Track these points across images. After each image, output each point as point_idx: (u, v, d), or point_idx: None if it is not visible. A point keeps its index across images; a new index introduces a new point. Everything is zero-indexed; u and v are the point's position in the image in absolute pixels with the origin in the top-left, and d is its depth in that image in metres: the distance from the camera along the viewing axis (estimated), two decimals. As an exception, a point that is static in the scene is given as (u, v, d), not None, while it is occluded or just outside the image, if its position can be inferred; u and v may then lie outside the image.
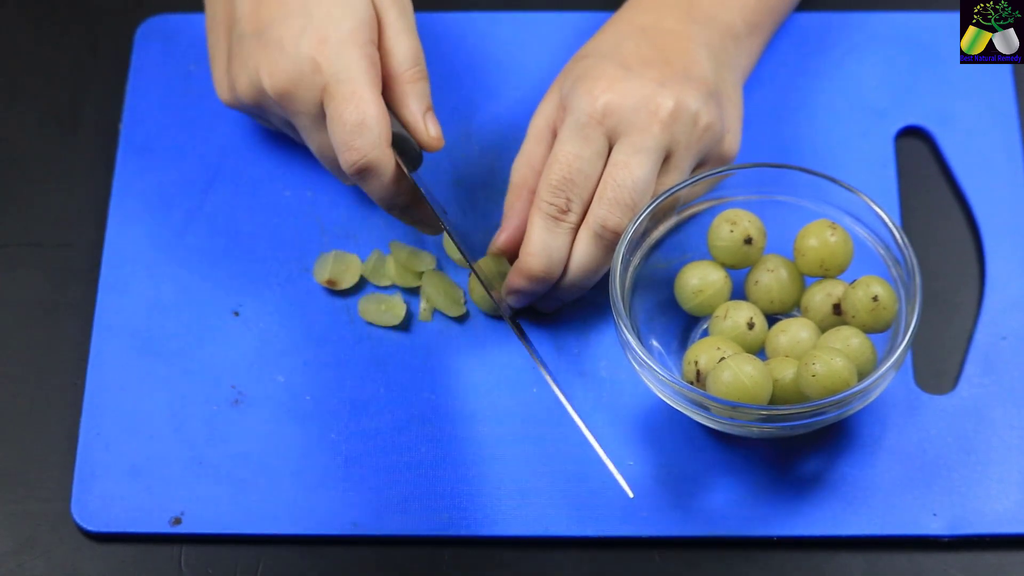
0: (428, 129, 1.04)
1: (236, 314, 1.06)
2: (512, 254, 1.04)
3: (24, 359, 1.06)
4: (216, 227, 1.09)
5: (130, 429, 1.03)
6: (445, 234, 1.05)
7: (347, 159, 1.00)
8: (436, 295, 1.05)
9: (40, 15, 1.17)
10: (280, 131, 1.09)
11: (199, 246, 1.08)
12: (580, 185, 1.01)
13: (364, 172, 1.01)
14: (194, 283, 1.07)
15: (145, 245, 1.08)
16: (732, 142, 1.05)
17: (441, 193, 1.10)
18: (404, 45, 1.03)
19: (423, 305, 1.06)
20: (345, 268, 1.07)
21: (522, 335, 1.03)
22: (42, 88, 1.15)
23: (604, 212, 1.01)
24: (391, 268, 1.07)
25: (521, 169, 1.05)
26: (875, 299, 0.99)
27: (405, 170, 1.02)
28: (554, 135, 1.04)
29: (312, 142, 1.04)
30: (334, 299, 1.07)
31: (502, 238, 1.04)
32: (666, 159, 1.02)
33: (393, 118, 1.03)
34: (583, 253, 1.02)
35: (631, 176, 1.01)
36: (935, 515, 1.00)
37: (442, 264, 1.08)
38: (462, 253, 1.03)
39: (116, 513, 1.01)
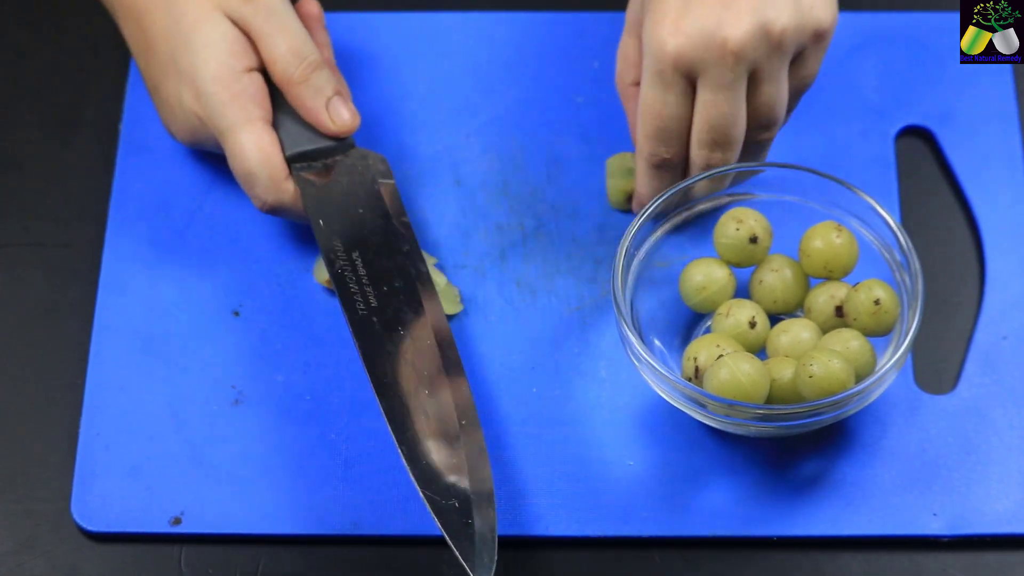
0: (333, 119, 1.04)
1: (236, 314, 1.06)
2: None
3: (24, 359, 1.06)
4: (216, 227, 1.09)
5: (130, 429, 1.03)
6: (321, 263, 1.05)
7: (255, 205, 1.04)
8: None
9: (40, 15, 1.17)
10: None
11: (199, 246, 1.08)
12: (673, 129, 1.01)
13: (273, 213, 1.04)
14: (194, 283, 1.07)
15: (145, 245, 1.08)
16: (823, 10, 0.99)
17: (441, 193, 1.10)
18: (281, 48, 1.03)
19: None
20: (345, 268, 1.07)
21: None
22: (42, 88, 1.15)
23: (707, 153, 1.01)
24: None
25: (619, 63, 1.05)
26: (877, 303, 0.99)
27: (302, 208, 1.03)
28: (640, 26, 1.02)
29: None
30: (334, 299, 1.06)
31: (635, 135, 1.05)
32: (753, 74, 0.99)
33: (302, 124, 1.04)
34: (698, 186, 1.03)
35: (721, 114, 0.99)
36: (935, 515, 1.00)
37: (442, 265, 1.08)
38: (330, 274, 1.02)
39: (116, 513, 1.01)
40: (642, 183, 1.04)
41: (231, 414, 1.03)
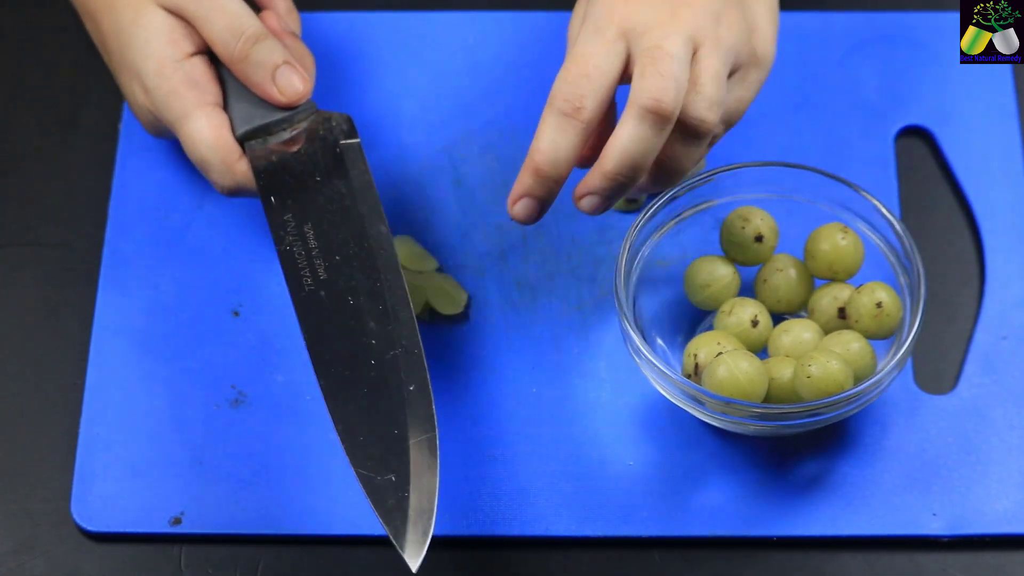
0: (281, 90, 1.02)
1: (236, 314, 1.06)
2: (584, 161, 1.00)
3: (24, 359, 1.06)
4: (216, 227, 1.09)
5: (130, 429, 1.03)
6: None
7: (216, 190, 1.03)
8: (435, 295, 1.05)
9: (40, 15, 1.17)
10: None
11: (199, 246, 1.08)
12: (595, 80, 0.96)
13: (235, 195, 1.03)
14: (194, 283, 1.07)
15: (145, 245, 1.08)
16: (763, 41, 1.00)
17: (441, 193, 1.10)
18: (217, 27, 1.02)
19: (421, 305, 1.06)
20: (345, 268, 1.07)
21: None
22: (42, 88, 1.15)
23: (650, 84, 0.95)
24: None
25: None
26: (879, 305, 0.99)
27: (255, 185, 1.01)
28: None
29: None
30: (334, 299, 1.06)
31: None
32: (694, 52, 0.97)
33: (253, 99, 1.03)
34: (628, 136, 0.96)
35: (666, 52, 0.95)
36: (935, 515, 1.00)
37: (443, 265, 1.08)
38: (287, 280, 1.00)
39: (116, 513, 1.01)
40: (544, 136, 0.96)
41: (231, 414, 1.03)
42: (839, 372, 0.96)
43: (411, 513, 0.93)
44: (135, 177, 1.10)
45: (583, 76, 0.96)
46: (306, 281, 0.99)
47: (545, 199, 0.97)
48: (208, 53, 1.03)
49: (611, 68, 0.97)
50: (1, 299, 1.08)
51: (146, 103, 1.03)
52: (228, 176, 1.01)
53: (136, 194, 1.10)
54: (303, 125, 1.03)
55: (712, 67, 0.97)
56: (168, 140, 1.08)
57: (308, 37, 1.14)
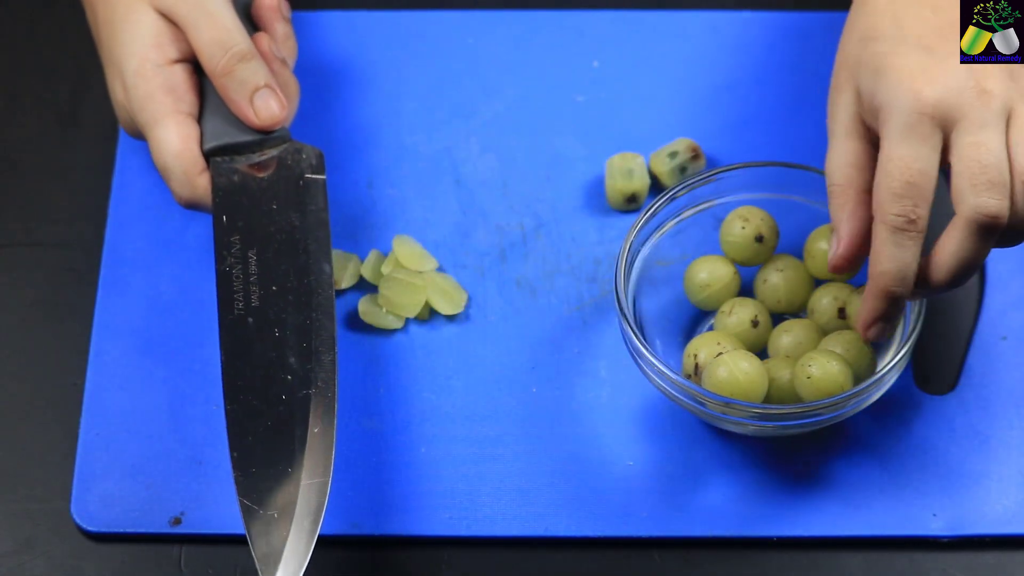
0: (257, 114, 1.02)
1: (236, 314, 1.06)
2: (850, 268, 0.97)
3: (24, 359, 1.06)
4: (216, 227, 1.09)
5: (130, 429, 1.03)
6: None
7: (175, 199, 1.02)
8: (435, 295, 1.05)
9: (40, 15, 1.17)
10: None
11: (199, 246, 1.08)
12: (923, 187, 0.93)
13: (192, 208, 1.02)
14: (194, 283, 1.07)
15: (145, 245, 1.08)
16: None
17: (441, 193, 1.10)
18: (204, 38, 1.02)
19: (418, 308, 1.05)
20: (345, 268, 1.07)
21: None
22: (42, 88, 1.15)
23: (980, 200, 0.92)
24: (389, 266, 1.06)
25: (844, 169, 0.96)
26: None
27: (210, 199, 1.01)
28: (864, 127, 0.96)
29: None
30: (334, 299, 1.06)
31: (841, 249, 0.96)
32: (1009, 120, 0.95)
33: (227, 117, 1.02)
34: (959, 248, 0.93)
35: (991, 152, 0.92)
36: (935, 515, 1.00)
37: (444, 267, 1.08)
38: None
39: (116, 513, 1.01)
40: (885, 255, 0.93)
41: (231, 414, 1.03)
42: (840, 373, 0.96)
43: (286, 553, 0.92)
44: (135, 177, 1.10)
45: (910, 185, 0.92)
46: (237, 305, 0.98)
47: (898, 317, 0.96)
48: (193, 62, 1.03)
49: (934, 168, 0.93)
50: (1, 299, 1.08)
51: (124, 102, 1.02)
52: (187, 188, 1.01)
53: (136, 194, 1.10)
54: (272, 152, 1.03)
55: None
56: (143, 142, 1.08)
57: (308, 37, 1.14)
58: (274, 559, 0.92)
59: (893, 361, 0.96)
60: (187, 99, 1.02)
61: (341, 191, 1.10)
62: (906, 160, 0.92)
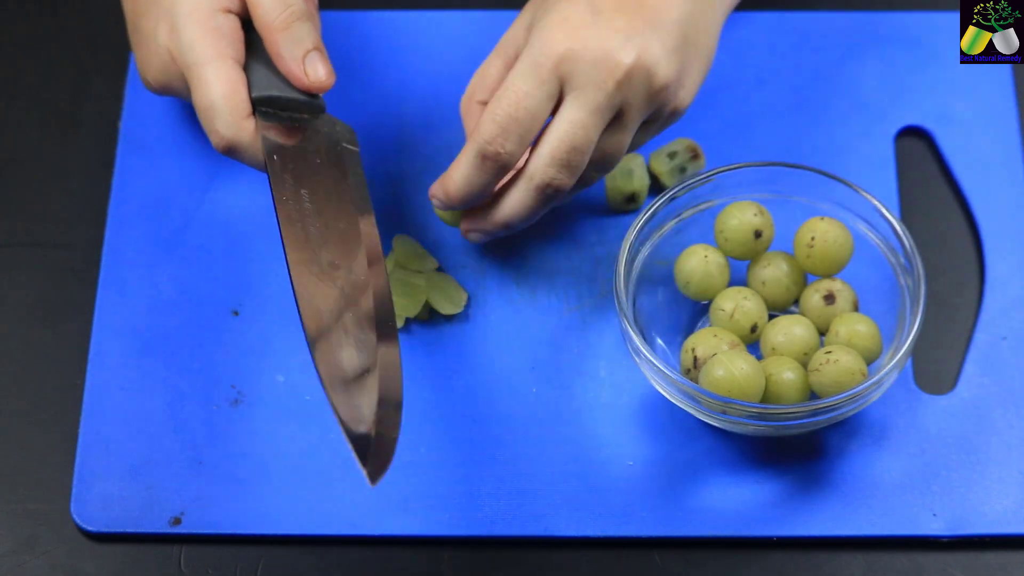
0: (306, 73, 1.01)
1: (236, 314, 1.06)
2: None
3: (24, 359, 1.06)
4: (216, 227, 1.09)
5: (130, 429, 1.03)
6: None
7: (212, 142, 1.00)
8: (435, 295, 1.05)
9: (40, 15, 1.17)
10: None
11: (199, 246, 1.08)
12: (524, 124, 0.98)
13: (228, 152, 1.00)
14: (194, 283, 1.07)
15: (145, 245, 1.08)
16: (685, 97, 1.01)
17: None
18: None
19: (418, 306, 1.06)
20: (345, 268, 1.07)
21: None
22: (42, 88, 1.15)
23: (554, 172, 0.98)
24: (389, 266, 1.06)
25: (474, 79, 1.04)
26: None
27: (260, 142, 1.00)
28: (515, 54, 1.02)
29: None
30: (334, 299, 1.06)
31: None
32: (615, 116, 0.99)
33: (276, 76, 1.01)
34: (519, 202, 1.00)
35: (586, 137, 0.98)
36: (935, 515, 1.00)
37: (444, 267, 1.08)
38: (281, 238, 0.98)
39: (116, 513, 1.01)
40: (461, 171, 0.99)
41: (231, 414, 1.03)
42: (853, 362, 0.96)
43: (372, 442, 0.92)
44: (135, 177, 1.10)
45: (512, 119, 0.97)
46: (297, 229, 0.98)
47: (454, 208, 1.02)
48: (242, 18, 1.02)
49: (541, 113, 0.98)
50: (1, 299, 1.08)
51: (168, 43, 1.01)
52: (232, 128, 0.99)
53: (136, 194, 1.10)
54: (311, 120, 1.02)
55: (618, 139, 1.00)
56: (169, 97, 1.06)
57: (308, 37, 1.14)
58: (365, 424, 0.92)
59: (893, 361, 0.96)
60: (237, 47, 1.01)
61: (341, 191, 1.10)
62: (519, 94, 0.97)
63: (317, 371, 0.93)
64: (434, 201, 1.02)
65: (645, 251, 1.03)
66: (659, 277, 1.04)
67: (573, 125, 0.98)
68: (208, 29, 1.00)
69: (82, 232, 1.09)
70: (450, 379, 1.04)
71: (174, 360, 1.05)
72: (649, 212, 1.02)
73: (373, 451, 0.91)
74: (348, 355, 0.94)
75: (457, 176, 0.99)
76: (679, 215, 1.04)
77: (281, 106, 1.01)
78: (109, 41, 1.15)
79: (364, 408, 0.92)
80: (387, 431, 0.92)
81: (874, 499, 1.00)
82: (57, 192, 1.11)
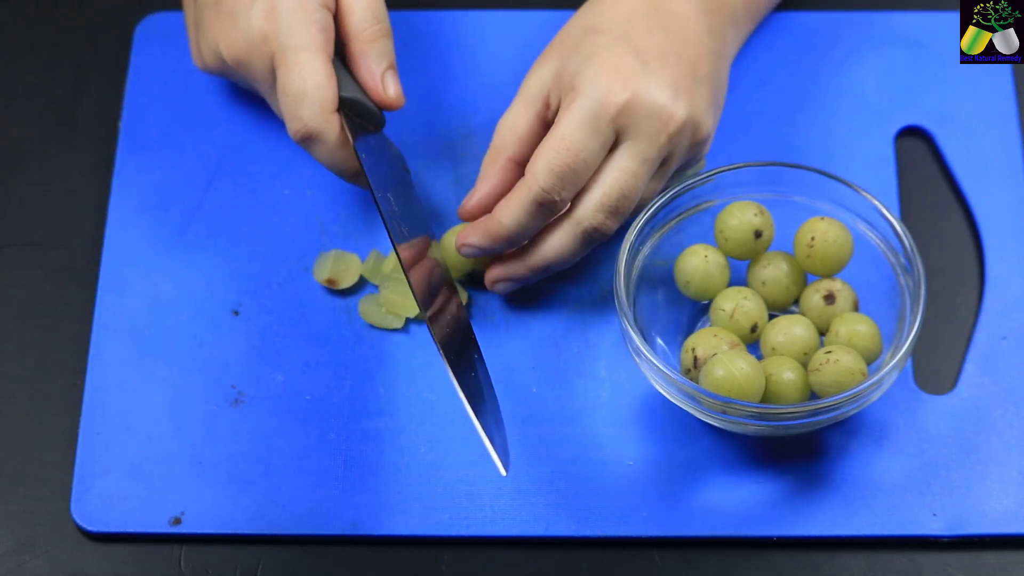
0: (386, 88, 1.03)
1: (236, 314, 1.06)
2: (473, 220, 1.04)
3: (24, 359, 1.06)
4: (216, 227, 1.09)
5: (130, 429, 1.03)
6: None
7: (290, 128, 1.02)
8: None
9: (40, 15, 1.17)
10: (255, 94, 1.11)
11: (199, 246, 1.08)
12: (580, 175, 0.99)
13: (306, 141, 1.02)
14: (194, 283, 1.07)
15: (145, 245, 1.08)
16: (708, 146, 1.04)
17: (441, 191, 1.10)
18: (362, 3, 1.03)
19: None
20: (345, 268, 1.07)
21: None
22: (42, 87, 1.15)
23: (603, 218, 1.00)
24: (389, 266, 1.07)
25: (505, 133, 1.03)
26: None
27: (350, 138, 1.02)
28: (545, 104, 1.02)
29: (273, 106, 1.05)
30: (334, 299, 1.07)
31: (473, 201, 1.03)
32: (664, 162, 1.02)
33: (354, 81, 1.04)
34: (563, 245, 1.01)
35: (637, 186, 1.00)
36: (935, 515, 1.00)
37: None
38: (391, 239, 1.01)
39: (116, 513, 1.01)
40: (512, 215, 1.00)
41: (231, 414, 1.03)
42: (853, 362, 0.96)
43: (496, 440, 0.96)
44: (135, 177, 1.10)
45: (570, 170, 0.99)
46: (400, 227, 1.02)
47: (489, 254, 1.03)
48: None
49: (595, 164, 1.00)
50: (1, 299, 1.08)
51: (262, 24, 1.02)
52: (319, 119, 1.01)
53: (136, 194, 1.10)
54: (374, 132, 1.05)
55: (653, 187, 1.02)
56: (217, 76, 1.07)
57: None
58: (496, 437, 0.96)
59: (893, 361, 0.96)
60: (331, 45, 1.03)
61: (341, 191, 1.10)
62: (577, 145, 0.98)
63: (457, 382, 0.97)
64: (466, 250, 1.02)
65: (645, 251, 1.03)
66: (659, 277, 1.04)
67: (625, 173, 0.99)
68: (311, 20, 1.01)
69: (82, 232, 1.09)
70: (450, 379, 1.04)
71: (174, 360, 1.05)
72: (649, 212, 1.02)
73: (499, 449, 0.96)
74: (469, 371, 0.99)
75: (507, 220, 1.00)
76: (679, 215, 1.04)
77: (358, 112, 1.03)
78: (109, 41, 1.15)
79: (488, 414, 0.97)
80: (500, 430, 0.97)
81: (874, 499, 1.00)
82: (57, 192, 1.11)
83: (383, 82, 1.04)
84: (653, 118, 0.99)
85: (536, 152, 1.00)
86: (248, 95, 1.12)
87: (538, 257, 1.02)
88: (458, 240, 1.02)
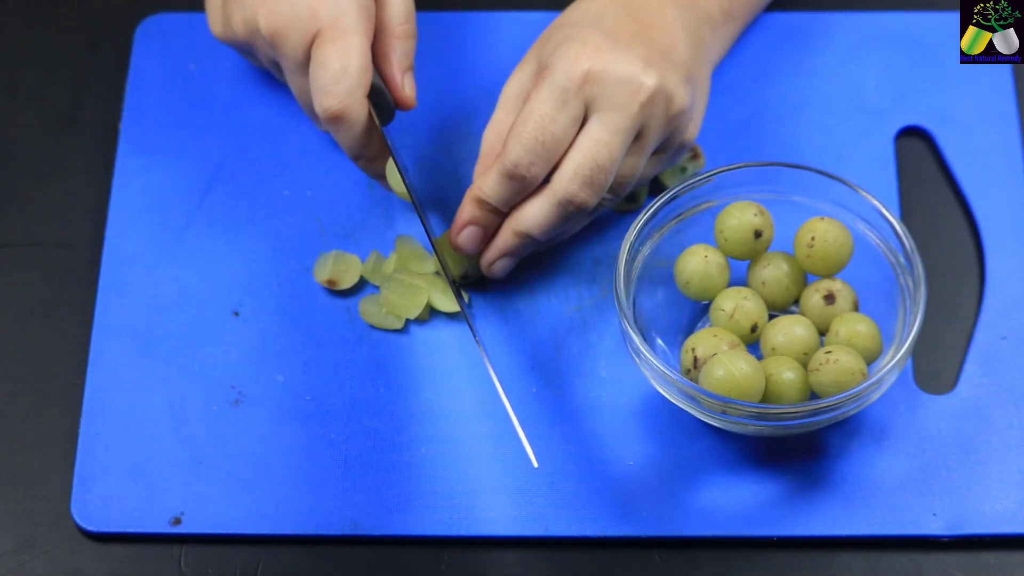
0: (404, 87, 1.04)
1: (236, 314, 1.06)
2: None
3: (24, 359, 1.06)
4: (216, 227, 1.09)
5: (130, 429, 1.03)
6: (394, 175, 1.04)
7: (323, 103, 1.01)
8: (435, 295, 1.06)
9: (40, 14, 1.17)
10: (263, 68, 1.11)
11: (199, 246, 1.08)
12: (550, 148, 0.99)
13: (337, 119, 1.02)
14: (194, 283, 1.07)
15: (145, 245, 1.08)
16: (694, 130, 1.04)
17: (441, 193, 1.10)
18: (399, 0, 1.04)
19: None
20: (345, 268, 1.07)
21: (466, 312, 1.04)
22: (42, 87, 1.15)
23: (576, 188, 1.00)
24: (390, 267, 1.07)
25: (490, 138, 1.04)
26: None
27: (377, 122, 1.03)
28: (521, 103, 1.03)
29: (294, 85, 1.05)
30: (334, 299, 1.07)
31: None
32: (635, 138, 1.01)
33: (374, 70, 1.04)
34: (542, 216, 1.01)
35: (610, 156, 1.00)
36: (935, 515, 1.00)
37: (442, 264, 1.08)
38: (417, 210, 1.02)
39: (116, 513, 1.01)
40: (489, 182, 1.01)
41: (231, 414, 1.03)
42: (853, 362, 0.96)
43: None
44: (135, 177, 1.10)
45: (538, 143, 0.99)
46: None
47: (489, 228, 1.02)
48: None
49: (566, 137, 1.00)
50: (1, 299, 1.08)
51: (309, 1, 1.01)
52: (352, 98, 1.01)
53: (136, 194, 1.10)
54: (385, 126, 1.06)
55: (633, 162, 1.02)
56: (246, 47, 1.06)
57: (308, 37, 1.14)
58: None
59: (893, 361, 0.96)
60: (371, 32, 1.03)
61: (341, 191, 1.10)
62: (545, 119, 0.99)
63: (492, 371, 0.99)
64: (461, 250, 1.03)
65: (645, 251, 1.03)
66: (659, 277, 1.04)
67: (597, 144, 1.00)
68: (362, 6, 1.02)
69: (82, 232, 1.09)
70: (450, 379, 1.04)
71: (174, 360, 1.05)
72: (649, 212, 1.02)
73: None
74: None
75: (486, 188, 1.01)
76: (679, 215, 1.04)
77: (377, 102, 1.04)
78: (109, 41, 1.15)
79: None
80: None
81: (874, 499, 1.00)
82: (57, 192, 1.11)
83: (403, 81, 1.04)
84: (622, 86, 0.99)
85: (509, 129, 1.00)
86: (248, 96, 1.12)
87: (518, 223, 1.02)
88: (452, 232, 1.03)
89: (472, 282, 1.06)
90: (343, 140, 1.03)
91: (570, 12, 1.05)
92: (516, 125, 1.00)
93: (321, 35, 1.01)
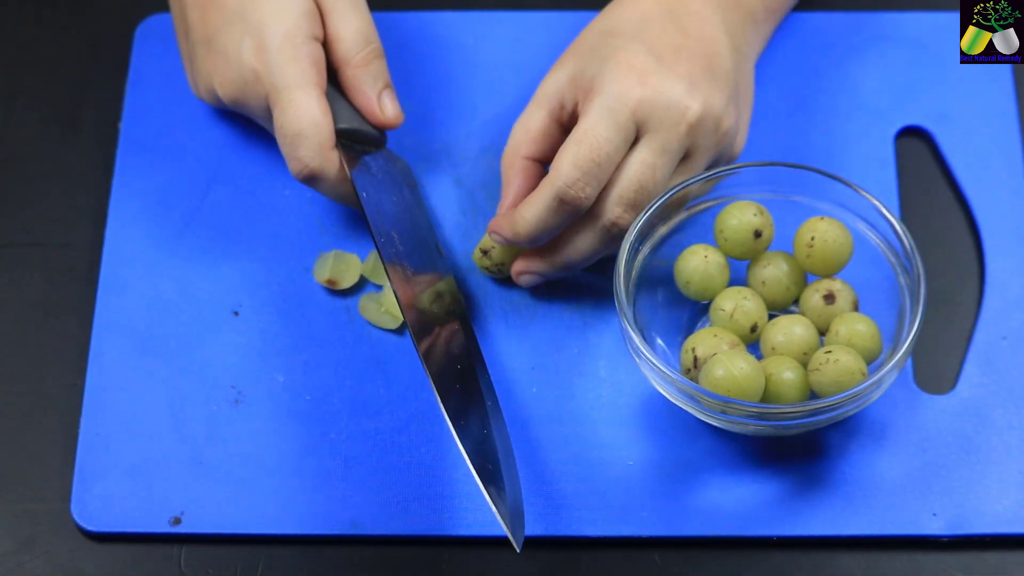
0: (383, 110, 1.04)
1: (236, 314, 1.06)
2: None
3: (24, 359, 1.06)
4: (216, 227, 1.09)
5: (130, 429, 1.03)
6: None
7: (291, 168, 1.02)
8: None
9: (40, 15, 1.17)
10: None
11: (199, 246, 1.08)
12: (603, 169, 0.99)
13: (308, 180, 1.03)
14: (194, 283, 1.07)
15: (145, 245, 1.08)
16: (740, 142, 1.05)
17: (441, 193, 1.10)
18: (351, 28, 1.04)
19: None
20: (345, 268, 1.07)
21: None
22: (42, 88, 1.15)
23: (620, 211, 1.00)
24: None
25: (517, 132, 1.04)
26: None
27: (348, 174, 1.02)
28: (560, 105, 1.03)
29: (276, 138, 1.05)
30: (334, 299, 1.07)
31: (505, 207, 1.03)
32: (682, 159, 1.02)
33: (350, 107, 1.04)
34: (587, 244, 1.02)
35: (655, 180, 1.00)
36: (935, 515, 1.00)
37: (444, 266, 1.07)
38: (388, 277, 1.01)
39: (116, 513, 1.01)
40: (534, 211, 1.00)
41: (231, 414, 1.03)
42: (852, 362, 0.96)
43: (510, 510, 0.96)
44: (135, 177, 1.10)
45: (595, 164, 0.99)
46: (403, 269, 1.02)
47: (515, 245, 1.03)
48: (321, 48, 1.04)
49: (618, 159, 1.00)
50: (1, 299, 1.08)
51: (254, 62, 1.02)
52: (318, 158, 1.01)
53: (136, 194, 1.10)
54: (375, 154, 1.05)
55: (670, 180, 1.02)
56: (230, 108, 1.07)
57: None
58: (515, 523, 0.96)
59: (893, 361, 0.96)
60: (323, 77, 1.03)
61: (341, 191, 1.10)
62: (600, 139, 0.99)
63: (448, 419, 0.97)
64: (495, 237, 1.03)
65: (645, 251, 1.03)
66: (659, 277, 1.04)
67: (643, 166, 1.00)
68: (301, 55, 1.02)
69: (82, 232, 1.09)
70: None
71: (174, 360, 1.05)
72: (649, 212, 1.01)
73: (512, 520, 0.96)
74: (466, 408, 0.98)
75: (530, 216, 1.00)
76: (687, 211, 1.04)
77: (358, 139, 1.04)
78: (109, 41, 1.15)
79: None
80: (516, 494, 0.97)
81: (874, 499, 1.00)
82: (57, 192, 1.11)
83: (380, 104, 1.04)
84: (669, 110, 0.99)
85: (560, 150, 1.00)
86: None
87: (562, 256, 1.03)
88: (490, 226, 1.03)
89: (507, 275, 1.07)
90: (323, 193, 1.04)
91: (610, 16, 1.04)
92: (569, 146, 0.99)
93: (270, 99, 1.02)
